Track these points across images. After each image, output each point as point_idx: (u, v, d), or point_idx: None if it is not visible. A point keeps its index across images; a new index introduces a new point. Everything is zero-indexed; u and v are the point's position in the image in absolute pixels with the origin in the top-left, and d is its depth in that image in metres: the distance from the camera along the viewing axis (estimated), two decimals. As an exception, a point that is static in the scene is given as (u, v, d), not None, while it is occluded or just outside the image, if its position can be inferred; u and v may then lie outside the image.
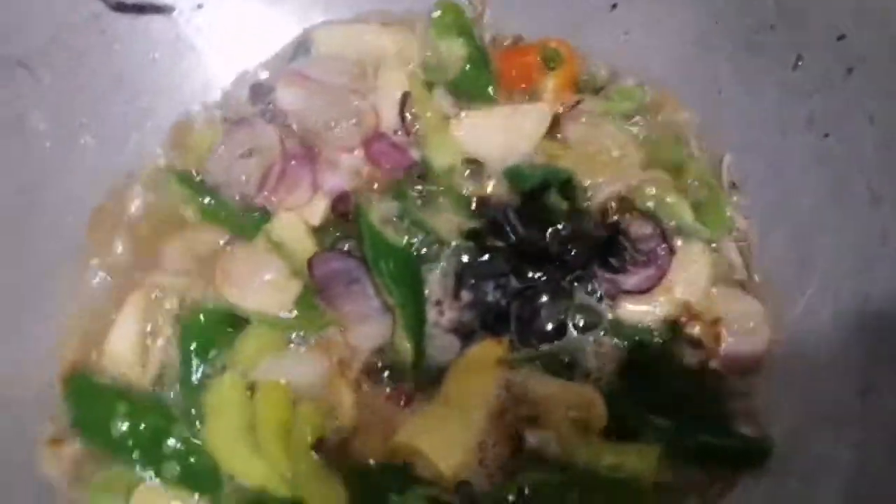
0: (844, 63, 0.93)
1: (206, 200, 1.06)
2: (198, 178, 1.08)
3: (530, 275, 0.98)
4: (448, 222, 1.02)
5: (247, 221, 1.04)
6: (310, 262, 0.97)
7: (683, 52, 1.10)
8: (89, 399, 0.92)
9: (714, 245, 1.01)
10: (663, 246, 0.97)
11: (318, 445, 0.87)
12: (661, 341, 0.95)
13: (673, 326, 0.96)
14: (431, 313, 0.97)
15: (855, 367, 0.84)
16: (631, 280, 0.96)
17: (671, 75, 1.11)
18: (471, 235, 1.01)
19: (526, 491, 0.85)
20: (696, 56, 1.09)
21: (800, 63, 0.98)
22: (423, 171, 1.07)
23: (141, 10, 1.15)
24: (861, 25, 0.92)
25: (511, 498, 0.85)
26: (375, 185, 1.07)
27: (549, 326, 0.95)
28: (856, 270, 0.87)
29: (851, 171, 0.92)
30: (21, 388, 0.94)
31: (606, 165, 1.03)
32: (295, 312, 0.97)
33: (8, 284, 0.98)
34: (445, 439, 0.87)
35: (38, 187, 1.04)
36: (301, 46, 1.19)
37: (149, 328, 0.97)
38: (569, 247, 0.99)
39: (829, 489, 0.80)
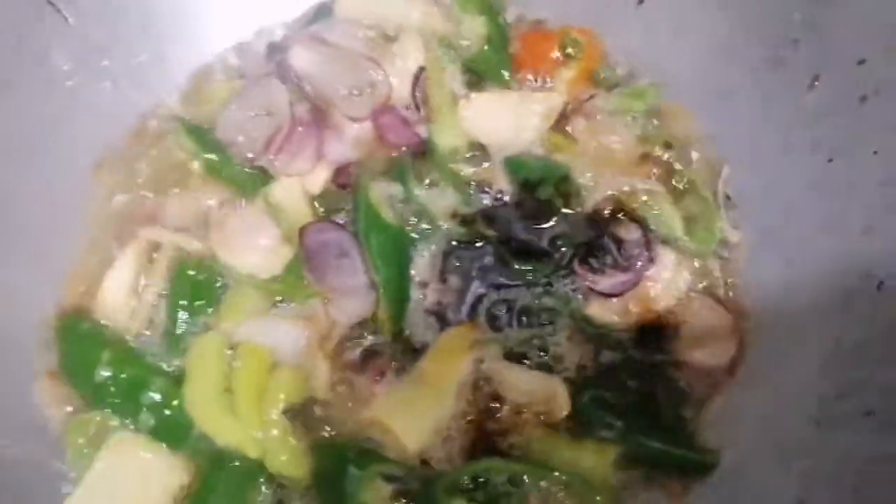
0: (859, 90, 0.89)
1: (211, 156, 1.05)
2: (207, 133, 1.07)
3: (515, 266, 0.98)
4: (443, 205, 1.01)
5: (248, 182, 1.04)
6: (301, 231, 0.96)
7: (706, 57, 1.06)
8: (77, 342, 0.94)
9: (697, 257, 0.99)
10: (645, 254, 0.95)
11: (290, 412, 0.89)
12: (626, 344, 0.95)
13: (640, 330, 0.95)
14: (415, 294, 0.97)
15: (816, 397, 0.82)
16: (606, 282, 0.95)
17: (688, 79, 1.07)
18: (464, 221, 1.00)
19: (482, 476, 0.85)
20: (717, 63, 1.05)
21: (816, 83, 0.94)
22: (426, 150, 1.05)
23: (169, -44, 1.14)
24: (883, 53, 0.88)
25: (467, 481, 0.85)
26: (377, 158, 1.06)
27: (521, 318, 0.96)
28: (834, 305, 0.85)
29: (849, 201, 0.88)
30: (23, 320, 0.96)
31: (607, 165, 1.01)
32: (282, 279, 0.97)
33: (16, 217, 0.99)
34: (414, 418, 0.88)
35: (54, 126, 1.04)
36: (323, 8, 1.17)
37: (142, 279, 0.98)
38: (557, 243, 0.99)
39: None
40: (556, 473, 0.85)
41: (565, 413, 0.89)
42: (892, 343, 0.78)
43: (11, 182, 0.99)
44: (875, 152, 0.86)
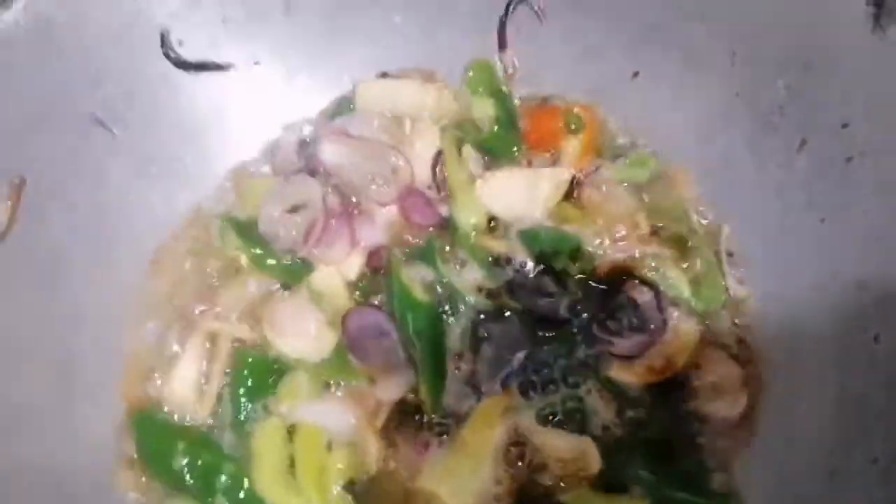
0: (845, 152, 0.96)
1: (256, 250, 1.14)
2: (251, 228, 1.16)
3: (540, 334, 1.06)
4: (470, 280, 1.09)
5: (292, 272, 1.13)
6: (343, 318, 1.05)
7: (702, 125, 1.13)
8: (153, 435, 1.02)
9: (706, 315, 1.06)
10: (658, 315, 1.03)
11: (349, 487, 0.97)
12: (648, 401, 1.02)
13: (659, 387, 1.02)
14: (451, 366, 1.05)
15: (827, 448, 0.89)
16: (624, 344, 1.03)
17: (687, 146, 1.15)
18: (489, 295, 1.08)
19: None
20: (713, 130, 1.12)
21: (804, 146, 1.01)
22: (449, 228, 1.14)
23: (201, 67, 1.23)
24: (865, 116, 0.95)
25: None
26: (406, 238, 1.14)
27: (550, 384, 1.03)
28: (837, 358, 0.92)
29: (843, 258, 0.95)
30: (92, 412, 1.05)
31: (615, 232, 1.09)
32: (330, 362, 1.06)
33: (79, 315, 1.08)
34: (460, 484, 0.95)
35: (111, 232, 1.14)
36: (344, 101, 1.27)
37: (204, 370, 1.07)
38: (577, 310, 1.06)
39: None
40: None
41: (597, 470, 0.96)
42: (891, 393, 0.85)
43: (76, 288, 1.09)
44: (864, 211, 0.93)
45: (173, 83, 1.20)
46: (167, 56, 1.19)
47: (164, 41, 1.18)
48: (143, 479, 1.02)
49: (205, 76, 1.23)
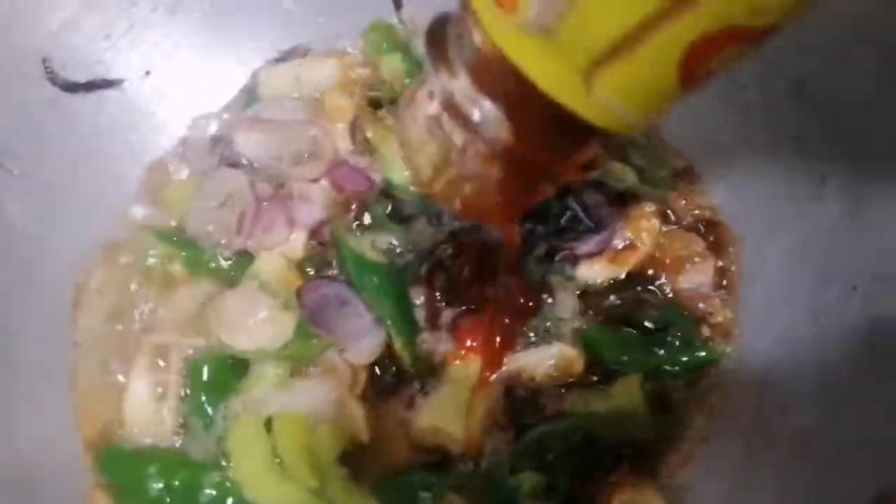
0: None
1: (186, 253, 1.05)
2: (178, 233, 1.08)
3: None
4: (421, 232, 1.03)
5: (232, 268, 1.04)
6: (298, 293, 0.97)
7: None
8: (120, 467, 0.91)
9: (660, 197, 1.03)
10: (611, 210, 0.99)
11: (343, 459, 0.88)
12: (619, 289, 0.98)
13: (631, 276, 0.98)
14: (420, 316, 0.98)
15: (805, 292, 0.87)
16: (584, 247, 0.99)
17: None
18: (445, 240, 1.02)
19: (539, 446, 0.88)
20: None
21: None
22: (386, 190, 1.07)
23: (91, 87, 1.14)
24: None
25: (528, 452, 0.88)
26: (352, 207, 1.07)
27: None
28: (791, 210, 0.90)
29: (769, 118, 0.94)
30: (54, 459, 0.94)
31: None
32: (293, 343, 0.96)
33: (16, 370, 0.97)
34: (456, 412, 0.91)
35: (24, 273, 1.03)
36: (250, 92, 1.20)
37: (159, 388, 0.96)
38: (529, 229, 1.01)
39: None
40: (599, 418, 0.89)
41: (581, 369, 0.93)
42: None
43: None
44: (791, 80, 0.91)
45: (64, 108, 1.11)
46: (52, 81, 1.10)
47: (46, 67, 1.09)
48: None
49: (96, 95, 1.14)
